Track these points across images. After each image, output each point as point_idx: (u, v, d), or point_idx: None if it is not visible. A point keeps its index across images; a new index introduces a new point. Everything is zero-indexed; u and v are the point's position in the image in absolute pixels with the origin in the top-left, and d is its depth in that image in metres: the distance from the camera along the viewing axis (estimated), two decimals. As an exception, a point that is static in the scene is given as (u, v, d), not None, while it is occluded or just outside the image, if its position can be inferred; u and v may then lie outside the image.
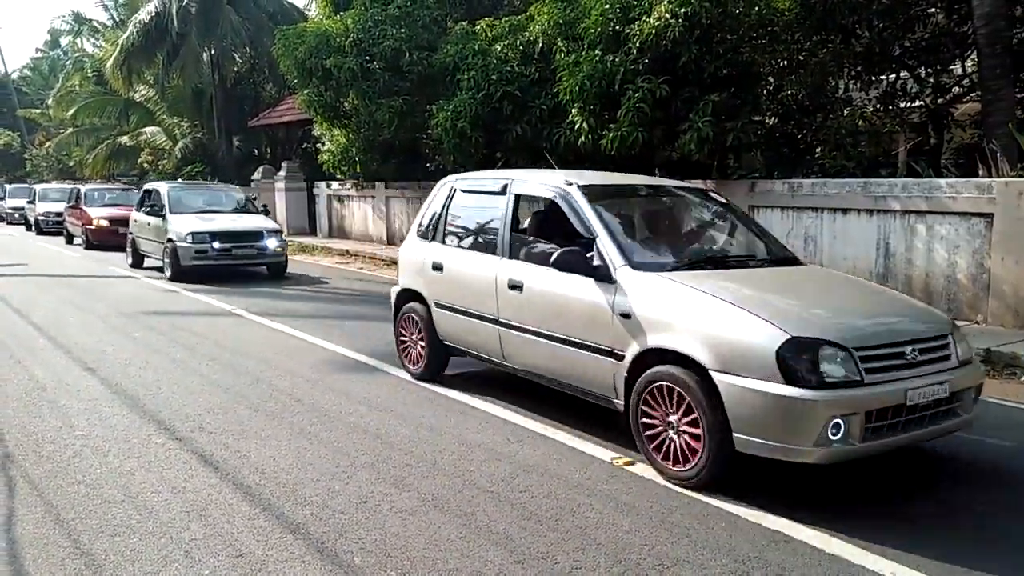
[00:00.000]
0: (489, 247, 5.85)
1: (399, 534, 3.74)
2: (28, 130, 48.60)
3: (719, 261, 5.40)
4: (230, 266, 13.47)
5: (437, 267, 6.27)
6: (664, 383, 4.33)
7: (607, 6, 10.42)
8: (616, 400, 4.76)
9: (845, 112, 10.94)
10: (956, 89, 11.49)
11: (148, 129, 30.19)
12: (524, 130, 12.57)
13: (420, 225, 6.74)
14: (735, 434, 4.02)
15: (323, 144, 18.91)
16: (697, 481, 4.21)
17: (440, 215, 6.48)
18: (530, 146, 13.02)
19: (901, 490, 4.32)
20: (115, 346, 7.98)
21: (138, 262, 15.28)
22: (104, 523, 3.87)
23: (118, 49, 24.94)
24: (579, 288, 4.91)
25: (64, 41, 50.84)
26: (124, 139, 30.93)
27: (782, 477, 4.44)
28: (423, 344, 6.49)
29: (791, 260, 5.56)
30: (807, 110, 10.72)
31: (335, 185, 20.49)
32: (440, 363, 6.53)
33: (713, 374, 4.07)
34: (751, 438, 3.97)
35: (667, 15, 9.71)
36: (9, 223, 31.34)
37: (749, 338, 4.01)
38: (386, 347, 7.90)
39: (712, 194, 6.30)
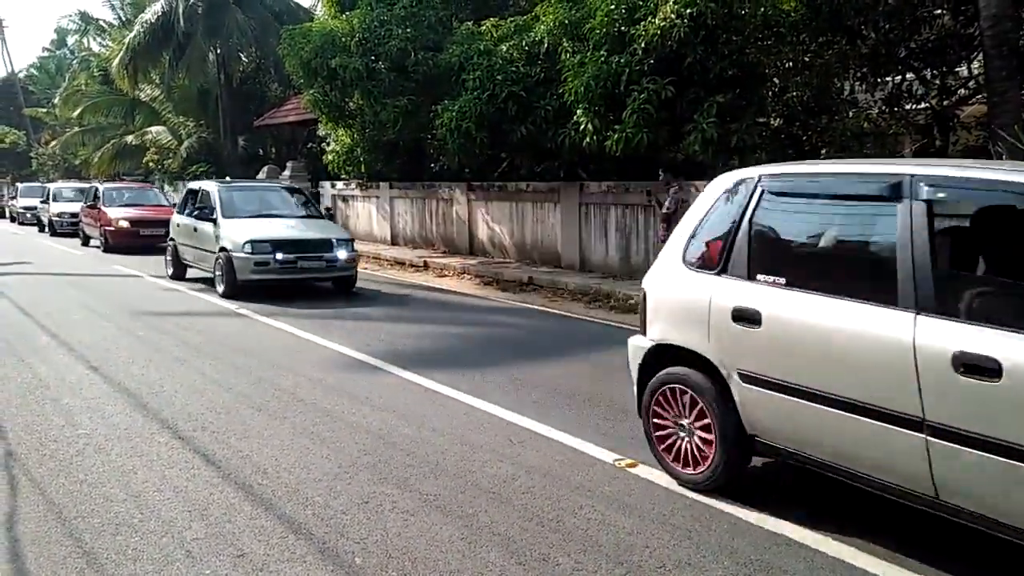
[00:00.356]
0: (876, 291, 3.51)
1: (400, 535, 3.74)
2: (34, 129, 48.75)
3: None
4: (295, 281, 11.50)
5: (745, 317, 3.96)
6: None
7: (612, 6, 10.42)
8: None
9: (850, 114, 10.91)
10: (962, 91, 11.46)
11: (153, 128, 30.26)
12: (529, 131, 12.57)
13: (688, 244, 4.52)
14: None
15: (328, 144, 18.96)
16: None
17: (735, 233, 4.18)
18: (535, 147, 13.03)
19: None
20: (118, 344, 7.99)
21: (180, 273, 13.31)
22: (106, 522, 3.87)
23: (124, 49, 25.01)
24: None
25: (71, 40, 50.99)
26: (130, 138, 30.99)
27: (784, 480, 4.43)
28: (706, 436, 4.22)
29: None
30: (812, 111, 10.70)
31: (339, 185, 20.51)
32: (738, 465, 4.23)
33: None
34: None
35: (672, 15, 9.70)
36: (21, 223, 30.52)
37: None
38: (388, 347, 7.91)
39: None
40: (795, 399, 3.74)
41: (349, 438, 5.14)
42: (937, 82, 11.36)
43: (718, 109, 9.83)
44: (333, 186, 20.87)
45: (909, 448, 3.30)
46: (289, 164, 22.89)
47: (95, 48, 41.08)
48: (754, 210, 4.12)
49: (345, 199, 20.71)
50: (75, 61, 41.67)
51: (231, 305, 10.53)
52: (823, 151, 11.02)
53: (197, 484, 4.35)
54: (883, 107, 11.38)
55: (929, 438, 3.22)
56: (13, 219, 32.61)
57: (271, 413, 5.68)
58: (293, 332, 8.74)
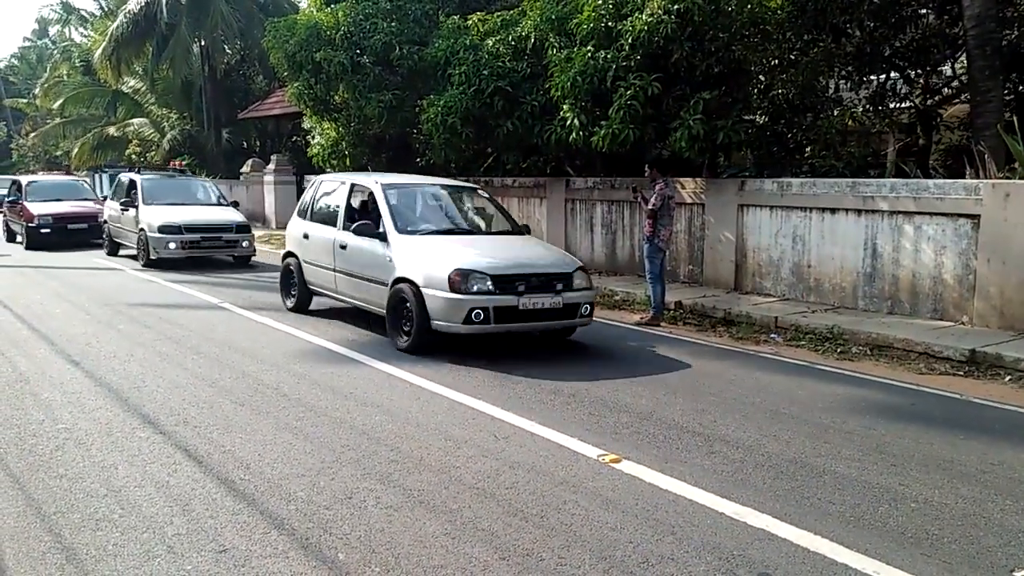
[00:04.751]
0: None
1: (384, 530, 3.72)
2: (15, 120, 48.17)
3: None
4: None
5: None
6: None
7: (600, 2, 10.42)
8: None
9: (835, 112, 10.97)
10: (945, 90, 11.56)
11: (136, 120, 29.99)
12: (515, 126, 12.56)
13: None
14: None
15: (313, 137, 18.82)
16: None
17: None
18: (521, 142, 13.01)
19: (882, 490, 4.34)
20: (99, 339, 7.92)
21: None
22: (86, 517, 3.83)
23: (107, 39, 24.74)
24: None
25: (52, 30, 50.44)
26: (111, 130, 30.69)
27: (766, 475, 4.46)
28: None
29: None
30: (797, 109, 10.75)
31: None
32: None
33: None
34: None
35: (659, 12, 9.72)
36: None
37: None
38: (373, 342, 7.89)
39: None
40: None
41: (332, 433, 5.12)
42: (921, 81, 11.45)
43: (704, 106, 9.86)
44: (319, 180, 20.73)
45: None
46: (274, 157, 22.75)
47: (77, 38, 40.72)
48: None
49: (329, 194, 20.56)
50: (57, 51, 41.16)
51: (213, 299, 10.45)
52: (808, 148, 11.09)
53: (179, 479, 4.31)
54: (867, 105, 11.45)
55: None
56: None
57: (254, 408, 5.65)
58: (276, 326, 8.69)
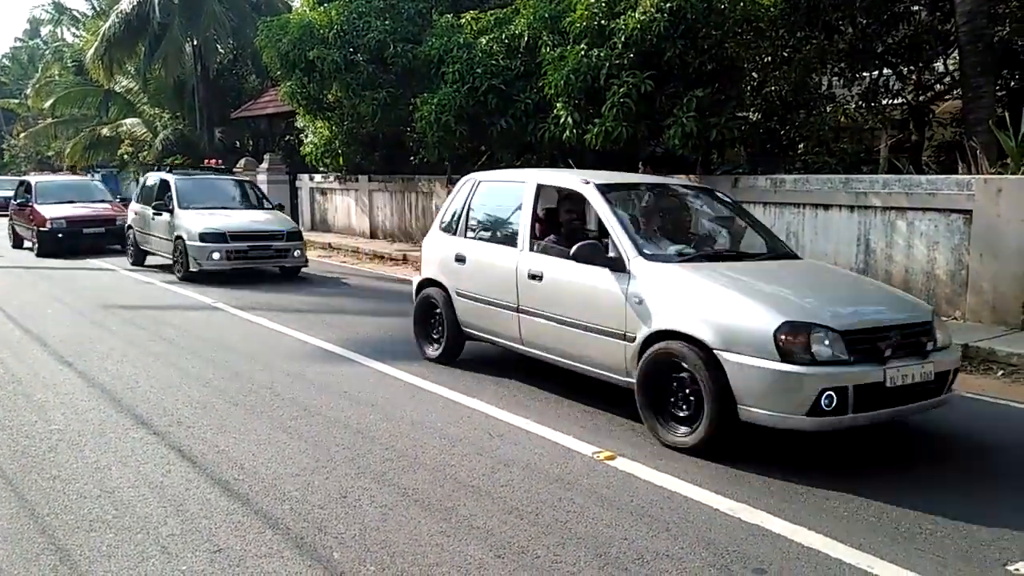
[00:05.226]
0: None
1: (379, 529, 3.72)
2: (6, 120, 47.95)
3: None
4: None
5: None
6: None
7: (592, 0, 10.40)
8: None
9: (828, 108, 10.99)
10: (938, 86, 11.58)
11: (128, 120, 29.84)
12: (509, 124, 12.55)
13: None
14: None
15: (306, 136, 18.79)
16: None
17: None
18: (515, 140, 13.00)
19: (877, 486, 4.35)
20: (93, 339, 7.89)
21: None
22: (80, 518, 3.82)
23: (99, 39, 24.61)
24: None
25: (44, 30, 50.23)
26: (104, 130, 30.54)
27: (760, 471, 4.46)
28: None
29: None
30: (790, 106, 10.76)
31: (318, 178, 20.37)
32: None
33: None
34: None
35: (652, 9, 9.71)
36: None
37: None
38: (367, 341, 7.88)
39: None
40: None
41: (327, 432, 5.11)
42: (913, 78, 11.47)
43: (697, 103, 9.86)
44: (311, 179, 20.72)
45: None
46: (267, 157, 22.66)
47: (69, 38, 40.56)
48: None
49: (324, 192, 20.56)
50: (48, 51, 41.01)
51: (206, 299, 10.43)
52: (801, 145, 11.10)
53: (173, 480, 4.30)
54: (860, 102, 11.47)
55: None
56: None
57: (248, 408, 5.63)
58: (270, 326, 8.67)
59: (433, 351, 6.99)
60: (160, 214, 12.94)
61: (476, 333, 6.65)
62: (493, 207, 6.90)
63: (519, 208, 6.22)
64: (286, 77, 15.81)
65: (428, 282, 7.08)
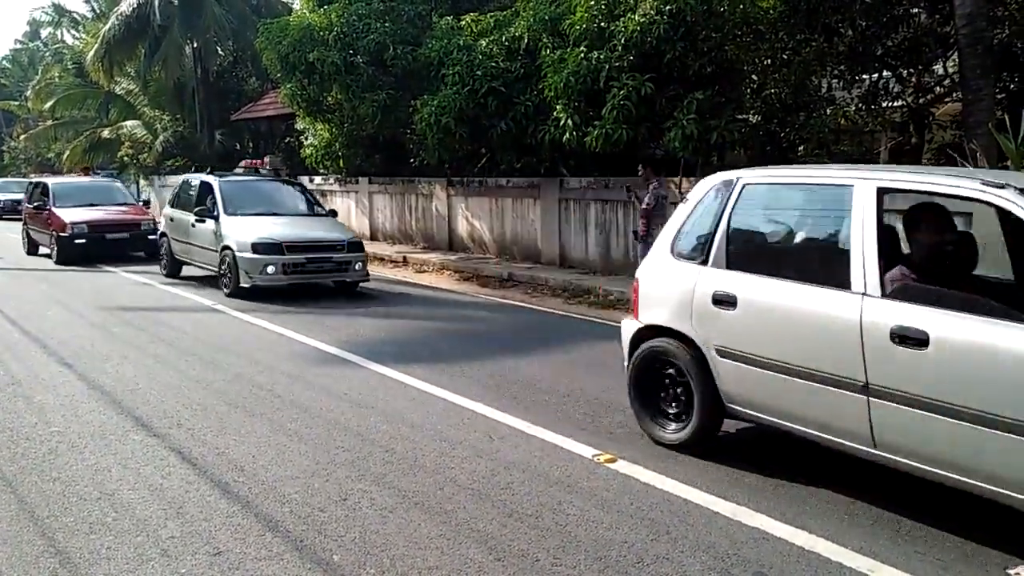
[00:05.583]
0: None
1: (379, 532, 3.72)
2: (6, 122, 47.96)
3: None
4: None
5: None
6: None
7: (592, 3, 10.43)
8: None
9: (828, 111, 10.99)
10: (937, 89, 11.58)
11: (128, 122, 29.85)
12: (509, 126, 12.55)
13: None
14: None
15: (306, 138, 18.80)
16: None
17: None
18: (515, 142, 13.01)
19: (878, 489, 4.35)
20: (93, 341, 7.89)
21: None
22: (79, 520, 3.81)
23: (99, 41, 24.64)
24: None
25: (44, 33, 50.25)
26: (104, 132, 30.56)
27: (760, 474, 4.46)
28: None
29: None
30: (790, 108, 10.77)
31: (318, 180, 20.36)
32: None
33: None
34: None
35: (652, 12, 9.73)
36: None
37: None
38: (367, 343, 7.88)
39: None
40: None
41: (327, 435, 5.10)
42: (913, 80, 11.47)
43: (697, 106, 9.87)
44: (311, 181, 20.69)
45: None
46: (267, 159, 22.68)
47: (69, 40, 40.56)
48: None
49: (324, 194, 20.51)
50: (48, 53, 41.03)
51: (207, 301, 10.42)
52: (801, 147, 11.10)
53: (172, 482, 4.30)
54: (860, 104, 11.48)
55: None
56: None
57: (248, 410, 5.63)
58: (270, 328, 8.66)
59: (672, 432, 4.83)
60: (203, 221, 11.42)
61: (758, 414, 4.48)
62: (779, 224, 4.95)
63: (840, 227, 4.31)
64: (286, 79, 15.82)
65: (655, 331, 4.94)
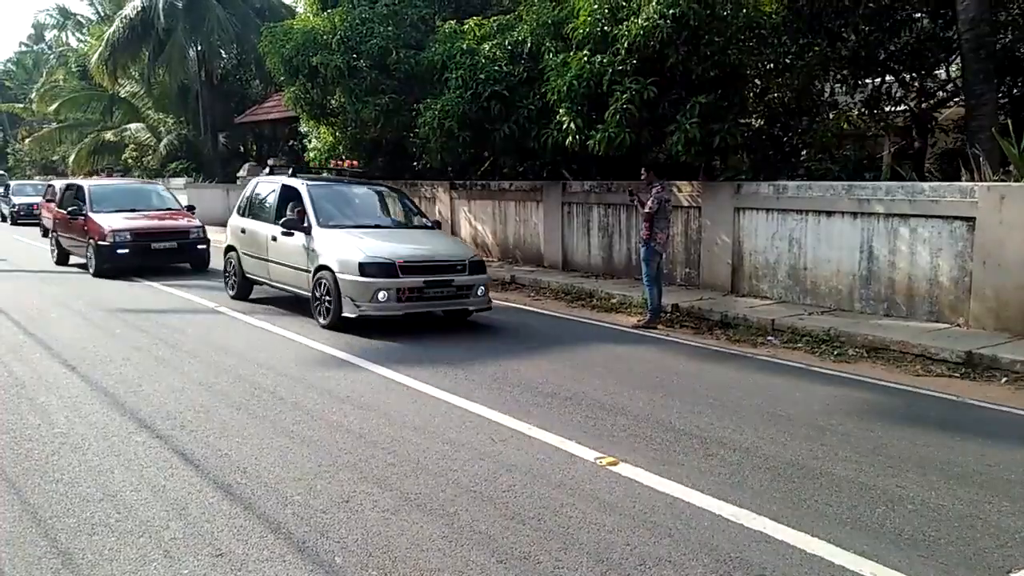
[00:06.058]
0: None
1: (381, 533, 3.72)
2: (11, 124, 48.11)
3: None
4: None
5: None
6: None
7: (595, 6, 10.44)
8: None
9: (831, 115, 11.02)
10: (940, 94, 11.59)
11: (132, 125, 29.98)
12: (512, 130, 12.57)
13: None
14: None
15: (309, 142, 18.84)
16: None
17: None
18: (518, 146, 13.03)
19: (879, 492, 4.34)
20: (96, 343, 7.90)
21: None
22: (82, 522, 3.82)
23: (103, 44, 24.76)
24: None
25: (48, 35, 50.39)
26: (108, 135, 30.69)
27: (763, 477, 4.46)
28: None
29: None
30: (793, 113, 10.78)
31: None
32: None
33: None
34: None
35: (655, 16, 9.73)
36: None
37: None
38: (369, 345, 7.88)
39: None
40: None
41: (329, 437, 5.11)
42: (916, 84, 11.48)
43: (700, 109, 9.88)
44: (315, 184, 20.74)
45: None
46: (270, 161, 22.70)
47: (73, 43, 40.71)
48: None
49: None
50: (53, 56, 41.15)
51: (209, 303, 10.44)
52: (804, 152, 11.12)
53: (175, 483, 4.31)
54: (863, 109, 11.49)
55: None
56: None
57: (251, 412, 5.64)
58: (272, 330, 8.67)
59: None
60: (291, 235, 9.49)
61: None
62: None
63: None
64: (289, 83, 15.85)
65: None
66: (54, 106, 31.57)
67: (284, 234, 9.65)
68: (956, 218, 8.21)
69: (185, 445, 4.91)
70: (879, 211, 8.85)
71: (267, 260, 10.14)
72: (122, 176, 27.85)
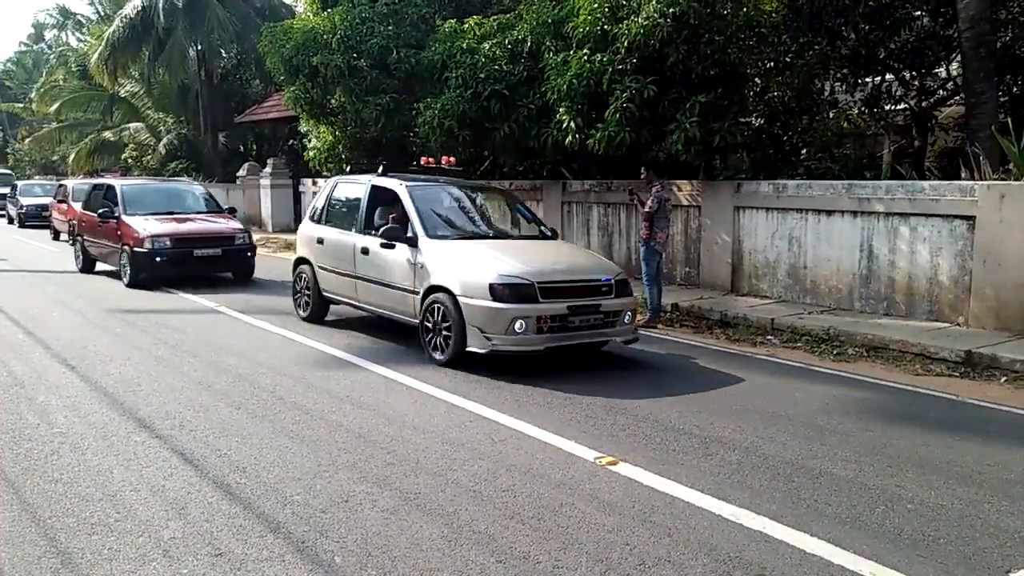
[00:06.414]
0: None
1: (380, 533, 3.72)
2: (11, 124, 48.13)
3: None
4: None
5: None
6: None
7: (595, 5, 10.43)
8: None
9: (831, 114, 11.02)
10: (940, 92, 11.59)
11: (132, 125, 29.96)
12: (512, 129, 12.56)
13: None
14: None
15: (309, 141, 18.83)
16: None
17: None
18: (518, 145, 13.02)
19: (878, 491, 4.34)
20: (96, 342, 7.90)
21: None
22: (81, 521, 3.82)
23: (103, 43, 24.75)
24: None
25: (48, 35, 50.41)
26: (108, 134, 30.67)
27: (762, 477, 4.46)
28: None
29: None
30: (793, 111, 10.78)
31: (321, 182, 20.39)
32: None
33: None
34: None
35: (655, 15, 9.73)
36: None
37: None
38: (369, 345, 7.88)
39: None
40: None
41: (329, 436, 5.11)
42: (916, 83, 11.49)
43: (700, 109, 9.87)
44: (315, 183, 20.76)
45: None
46: (270, 161, 22.76)
47: (73, 43, 40.71)
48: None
49: (327, 197, 20.57)
50: (53, 56, 41.14)
51: (209, 303, 10.44)
52: (804, 151, 11.11)
53: (175, 483, 4.30)
54: (863, 107, 11.49)
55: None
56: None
57: (250, 411, 5.64)
58: (272, 330, 8.67)
59: None
60: (391, 247, 7.85)
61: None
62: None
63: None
64: (289, 82, 15.85)
65: None
66: (54, 106, 31.55)
67: (383, 246, 7.95)
68: (956, 217, 8.21)
69: (184, 445, 4.91)
70: (879, 210, 8.85)
71: (354, 277, 8.46)
72: (123, 175, 27.88)
